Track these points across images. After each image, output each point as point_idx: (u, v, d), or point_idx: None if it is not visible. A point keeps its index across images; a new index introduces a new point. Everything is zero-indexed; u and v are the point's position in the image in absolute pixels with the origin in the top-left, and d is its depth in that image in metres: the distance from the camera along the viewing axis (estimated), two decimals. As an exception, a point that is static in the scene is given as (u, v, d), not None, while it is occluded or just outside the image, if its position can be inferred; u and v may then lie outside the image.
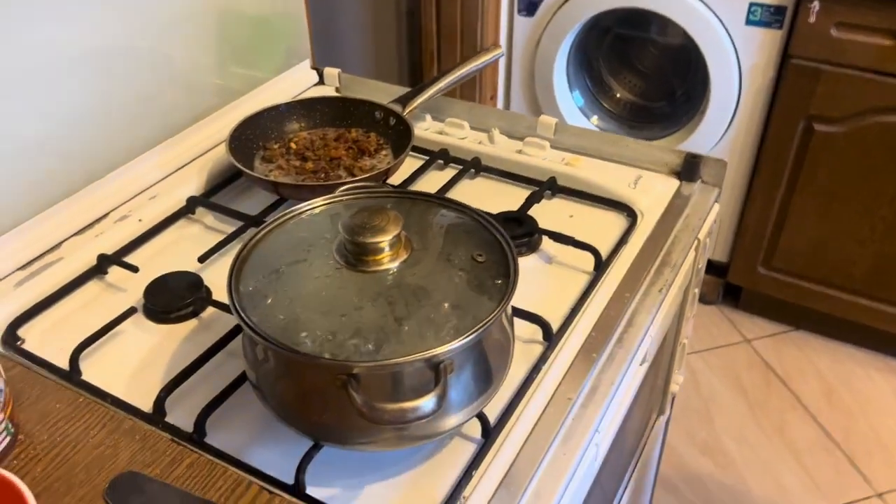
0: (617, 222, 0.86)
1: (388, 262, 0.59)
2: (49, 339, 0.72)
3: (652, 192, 0.89)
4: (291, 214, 0.65)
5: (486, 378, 0.59)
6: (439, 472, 0.59)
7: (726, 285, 2.00)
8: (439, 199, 0.68)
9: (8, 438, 0.57)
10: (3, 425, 0.56)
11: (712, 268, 1.96)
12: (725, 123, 1.77)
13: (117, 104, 0.88)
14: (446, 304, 0.58)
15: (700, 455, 1.68)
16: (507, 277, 0.60)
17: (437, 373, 0.53)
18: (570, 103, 1.95)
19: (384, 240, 0.59)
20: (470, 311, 0.57)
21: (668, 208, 0.87)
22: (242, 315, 0.55)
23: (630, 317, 0.73)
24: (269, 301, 0.58)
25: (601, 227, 0.85)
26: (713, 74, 1.72)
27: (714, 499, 1.60)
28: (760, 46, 1.65)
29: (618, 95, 2.01)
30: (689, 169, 0.92)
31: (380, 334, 0.55)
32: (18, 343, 0.71)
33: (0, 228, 0.79)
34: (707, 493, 1.61)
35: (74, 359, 0.67)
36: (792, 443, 1.71)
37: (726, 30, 1.66)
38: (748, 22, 1.64)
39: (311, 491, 0.57)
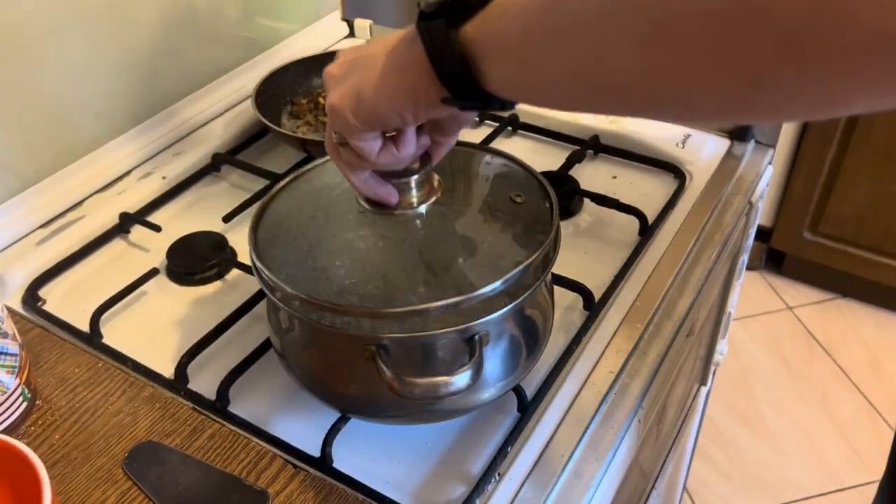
0: (664, 184, 0.81)
1: (417, 205, 0.54)
2: (70, 300, 0.70)
3: (701, 151, 0.83)
4: (316, 173, 0.61)
5: (524, 350, 0.55)
6: (473, 448, 0.56)
7: (769, 250, 1.93)
8: (477, 147, 0.63)
9: (25, 404, 0.54)
10: (20, 390, 0.54)
11: (756, 232, 1.89)
12: (774, 80, 1.68)
13: (140, 57, 0.84)
14: (482, 251, 0.53)
15: (738, 425, 1.64)
16: (549, 242, 0.55)
17: (471, 345, 0.49)
18: (609, 59, 1.87)
19: (409, 179, 0.52)
20: (506, 258, 0.53)
21: (718, 169, 0.82)
22: (265, 275, 0.52)
23: (677, 285, 0.69)
24: (293, 259, 0.54)
25: (647, 190, 0.80)
26: (763, 28, 1.63)
27: (752, 469, 1.56)
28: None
29: (660, 51, 1.93)
30: (741, 127, 0.86)
31: (409, 286, 0.51)
32: (39, 304, 0.69)
33: (22, 185, 0.76)
34: (744, 463, 1.57)
35: (95, 321, 0.65)
36: (834, 413, 1.65)
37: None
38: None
39: (337, 465, 0.54)
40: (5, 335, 0.52)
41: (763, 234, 1.88)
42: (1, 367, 0.51)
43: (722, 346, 1.01)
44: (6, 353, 0.52)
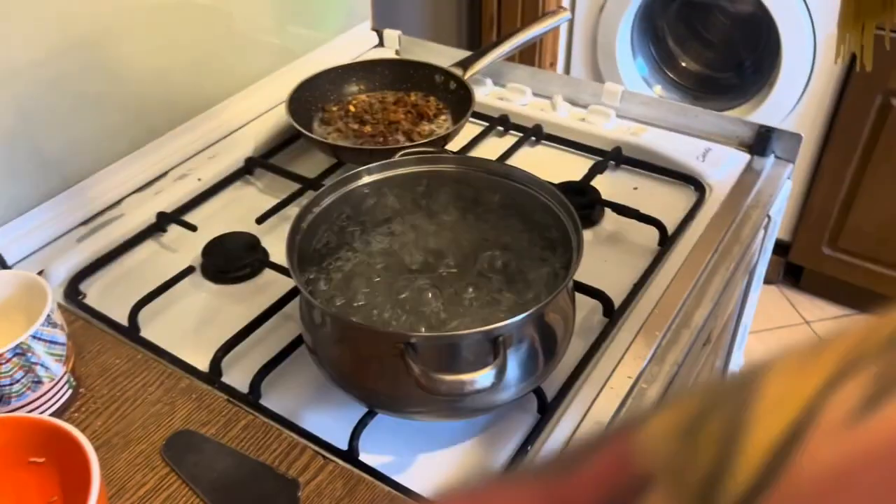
0: (684, 196, 0.83)
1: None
2: (109, 295, 0.73)
3: (721, 165, 0.85)
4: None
5: (545, 353, 0.57)
6: (494, 446, 0.58)
7: (787, 265, 1.93)
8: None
9: (70, 391, 0.57)
10: (66, 378, 0.57)
11: (774, 246, 1.89)
12: (796, 96, 1.69)
13: (177, 63, 0.87)
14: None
15: (752, 437, 1.64)
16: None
17: (495, 346, 0.51)
18: (632, 71, 1.89)
19: None
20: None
21: (737, 183, 0.83)
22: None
23: (695, 295, 0.70)
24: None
25: (667, 201, 0.82)
26: (785, 45, 1.64)
27: (765, 482, 1.56)
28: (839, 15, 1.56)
29: (683, 64, 1.94)
30: (761, 142, 0.87)
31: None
32: (80, 297, 0.72)
33: (64, 184, 0.80)
34: (758, 475, 1.57)
35: (133, 315, 0.68)
36: (849, 429, 1.65)
37: (805, 3, 1.58)
38: (827, -11, 1.55)
39: (364, 458, 0.56)
40: (55, 325, 0.55)
41: (782, 248, 1.88)
42: (51, 356, 0.54)
43: (738, 357, 1.02)
44: (56, 342, 0.54)
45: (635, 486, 0.19)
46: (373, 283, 0.61)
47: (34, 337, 0.52)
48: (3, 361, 0.51)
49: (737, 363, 1.03)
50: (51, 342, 0.54)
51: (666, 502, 0.18)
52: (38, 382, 0.54)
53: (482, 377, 0.49)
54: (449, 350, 0.53)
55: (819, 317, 1.90)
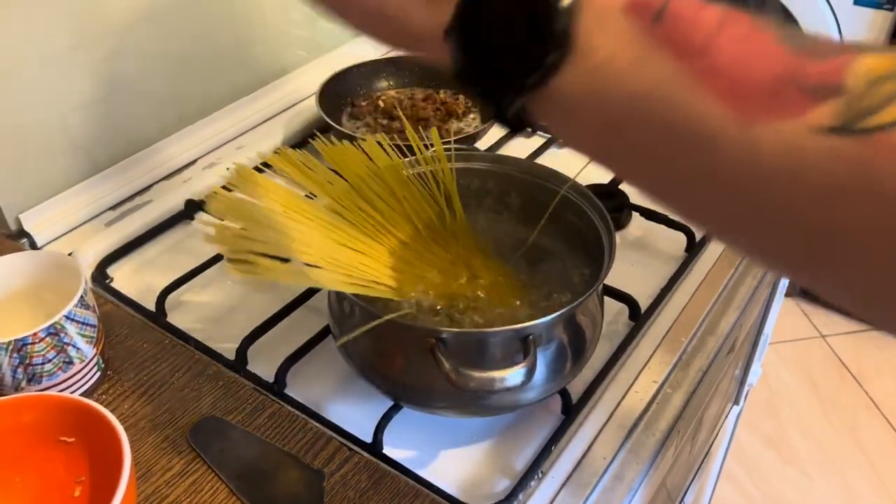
0: (711, 203, 0.82)
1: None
2: (136, 280, 0.73)
3: (750, 174, 0.85)
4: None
5: (573, 354, 0.57)
6: (517, 445, 0.58)
7: (805, 277, 1.92)
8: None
9: (98, 373, 0.58)
10: (96, 360, 0.57)
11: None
12: (820, 108, 1.68)
13: (209, 52, 0.88)
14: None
15: (763, 447, 1.64)
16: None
17: (525, 345, 0.51)
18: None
19: None
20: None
21: (766, 192, 0.83)
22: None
23: (722, 302, 0.70)
24: None
25: (694, 207, 0.81)
26: (812, 55, 1.63)
27: (775, 491, 1.56)
28: (868, 29, 1.56)
29: (706, 72, 1.93)
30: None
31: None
32: (107, 281, 0.72)
33: (94, 168, 0.80)
34: (768, 485, 1.57)
35: (161, 300, 0.68)
36: (862, 443, 1.64)
37: (832, 9, 1.57)
38: (857, 2, 1.54)
39: (388, 451, 0.56)
40: (87, 306, 0.55)
41: (800, 261, 1.88)
42: (82, 337, 0.54)
43: (757, 367, 1.02)
44: (87, 324, 0.55)
45: (829, 89, 0.27)
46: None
47: (67, 317, 0.53)
48: (37, 341, 0.52)
49: (755, 374, 1.02)
50: (83, 323, 0.54)
51: (833, 108, 0.27)
52: (69, 363, 0.54)
53: (512, 375, 0.49)
54: (479, 347, 0.53)
55: (834, 331, 1.89)
